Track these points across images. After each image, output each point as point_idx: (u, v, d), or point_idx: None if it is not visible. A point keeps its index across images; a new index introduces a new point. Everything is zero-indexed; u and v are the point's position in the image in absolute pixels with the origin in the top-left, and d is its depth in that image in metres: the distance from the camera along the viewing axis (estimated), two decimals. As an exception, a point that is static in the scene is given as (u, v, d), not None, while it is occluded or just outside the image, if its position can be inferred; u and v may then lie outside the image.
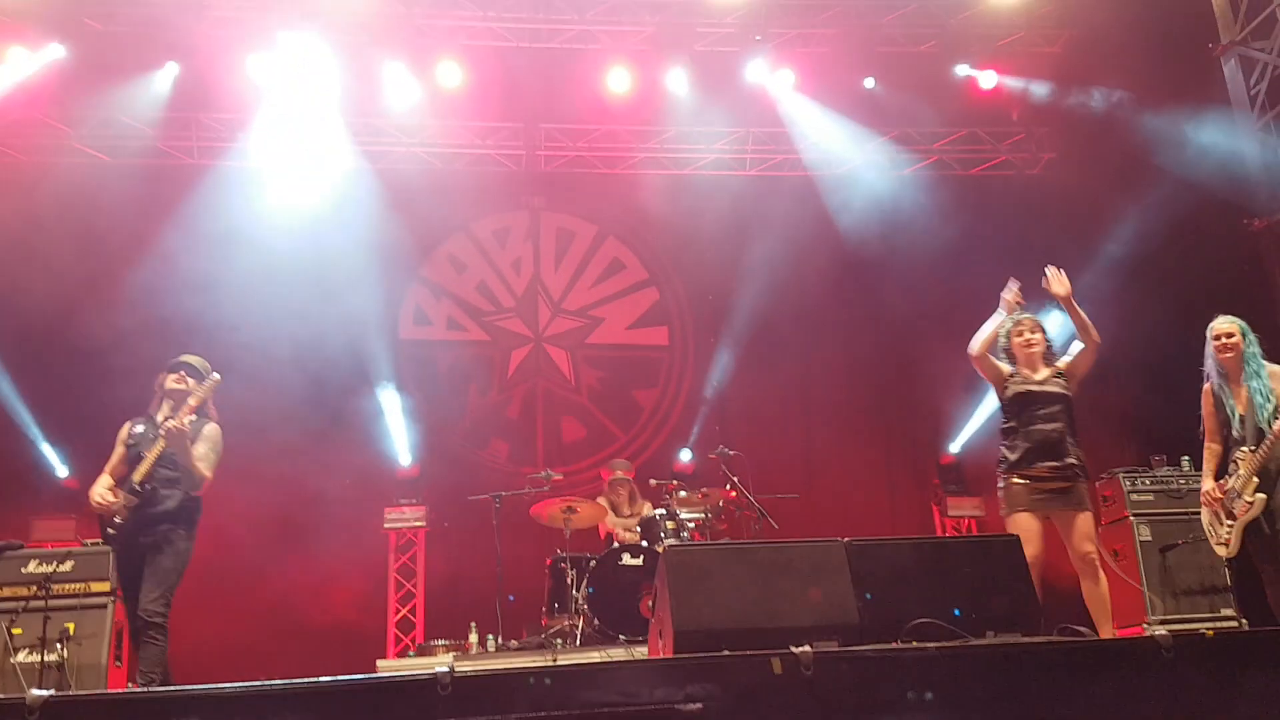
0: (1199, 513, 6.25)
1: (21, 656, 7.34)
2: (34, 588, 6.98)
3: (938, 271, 11.12)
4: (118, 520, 5.79)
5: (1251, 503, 5.71)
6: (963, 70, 11.17)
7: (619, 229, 12.35)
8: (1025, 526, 5.77)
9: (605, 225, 12.31)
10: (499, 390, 11.78)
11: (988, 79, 11.12)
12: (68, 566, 7.55)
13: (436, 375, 11.69)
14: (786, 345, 11.66)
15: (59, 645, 7.11)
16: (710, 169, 11.90)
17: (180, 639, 9.55)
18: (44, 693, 3.64)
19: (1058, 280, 6.14)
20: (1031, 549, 5.49)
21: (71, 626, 7.31)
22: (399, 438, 10.90)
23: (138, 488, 5.79)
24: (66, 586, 7.46)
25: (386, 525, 10.52)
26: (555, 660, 7.37)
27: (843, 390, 11.76)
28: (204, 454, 5.95)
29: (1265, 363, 5.90)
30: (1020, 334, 6.19)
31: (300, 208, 10.77)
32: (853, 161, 11.73)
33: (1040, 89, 11.03)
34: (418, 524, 10.61)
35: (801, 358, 11.74)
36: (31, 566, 7.29)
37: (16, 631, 7.28)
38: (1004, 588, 4.74)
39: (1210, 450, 6.06)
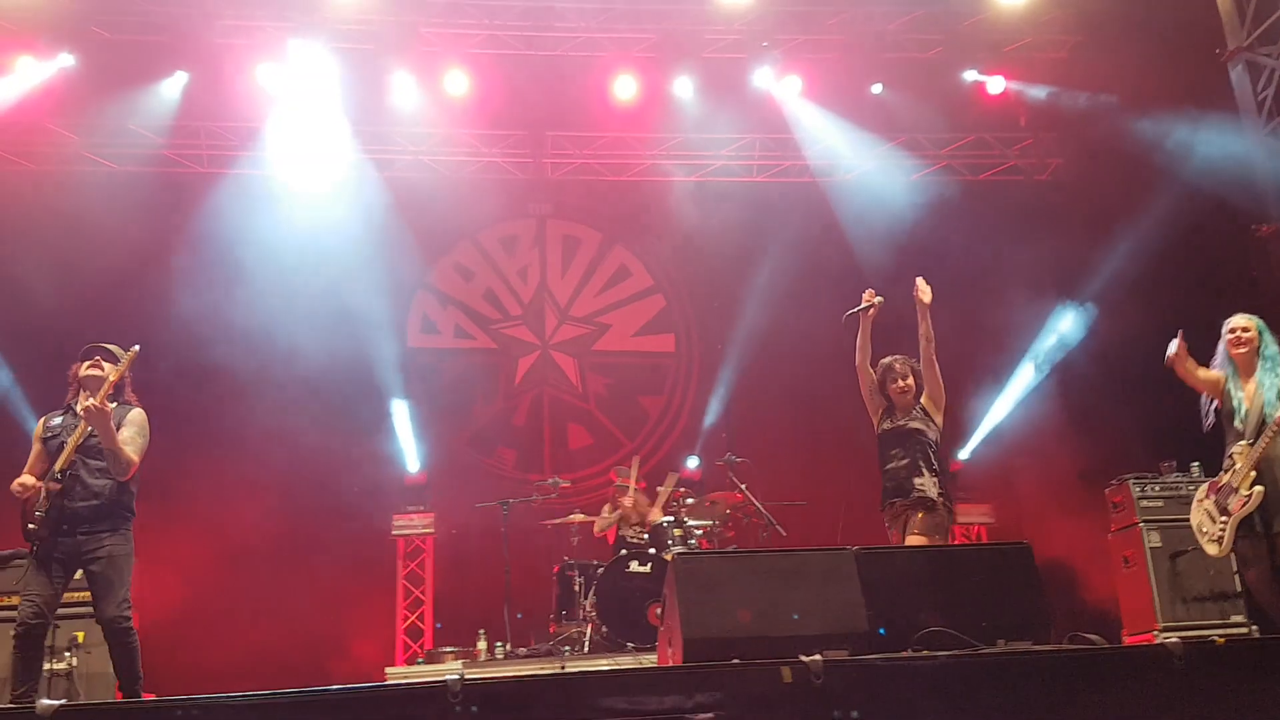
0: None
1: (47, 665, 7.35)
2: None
3: (945, 277, 11.06)
4: (38, 514, 5.44)
5: (1249, 496, 5.53)
6: (970, 76, 11.17)
7: (625, 236, 12.36)
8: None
9: (612, 232, 12.33)
10: (506, 397, 11.79)
11: (995, 84, 11.12)
12: (75, 575, 7.56)
13: (443, 383, 11.71)
14: (793, 351, 11.59)
15: (68, 654, 7.12)
16: (718, 175, 11.91)
17: (191, 646, 9.67)
18: (54, 702, 3.64)
19: (924, 290, 6.55)
20: None
21: (80, 635, 7.33)
22: (407, 445, 10.91)
23: (58, 475, 5.45)
24: (75, 595, 7.48)
25: (395, 532, 10.53)
26: (564, 668, 7.38)
27: (850, 397, 11.67)
28: (130, 437, 5.60)
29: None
30: (894, 380, 6.47)
31: (308, 216, 10.79)
32: (861, 167, 11.75)
33: (1048, 94, 11.02)
34: (426, 531, 10.61)
35: (808, 364, 11.67)
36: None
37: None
38: (1015, 595, 4.71)
39: None
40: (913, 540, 6.02)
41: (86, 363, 5.69)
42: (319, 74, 10.36)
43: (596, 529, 9.21)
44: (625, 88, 11.02)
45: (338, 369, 10.90)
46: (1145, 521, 8.04)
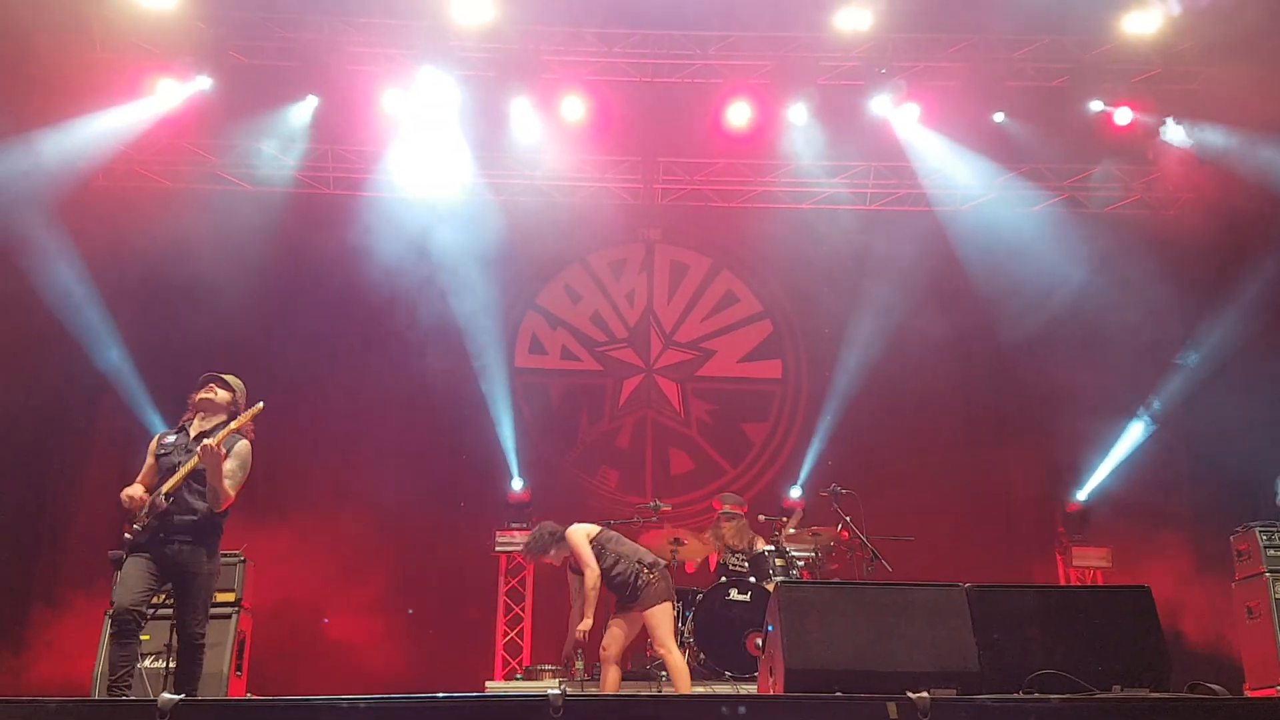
0: None
1: (148, 663, 7.62)
2: (162, 595, 7.21)
3: (1066, 312, 10.79)
4: (136, 527, 5.70)
5: None
6: (1096, 106, 10.84)
7: (733, 262, 12.35)
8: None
9: (720, 258, 12.33)
10: (610, 419, 11.86)
11: (1123, 115, 10.77)
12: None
13: (549, 403, 11.85)
14: (904, 383, 11.41)
15: (163, 656, 7.32)
16: (829, 203, 11.80)
17: (300, 651, 9.94)
18: (175, 697, 3.77)
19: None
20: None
21: (196, 634, 7.56)
22: (511, 463, 11.05)
23: (162, 498, 5.71)
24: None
25: (497, 549, 10.66)
26: (660, 691, 7.34)
27: (962, 431, 11.47)
28: (232, 470, 5.81)
29: None
30: None
31: (426, 237, 11.09)
32: (979, 197, 11.52)
33: (1178, 127, 10.63)
34: (528, 549, 10.69)
35: (919, 396, 11.47)
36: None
37: (144, 638, 7.56)
38: (1132, 640, 4.53)
39: None
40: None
41: (203, 388, 5.99)
42: (442, 99, 10.65)
43: (683, 556, 9.08)
44: (739, 114, 11.03)
45: (448, 386, 11.16)
46: (1272, 571, 7.69)
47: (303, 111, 10.92)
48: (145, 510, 5.74)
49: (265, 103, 10.82)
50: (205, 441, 5.66)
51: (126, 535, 5.76)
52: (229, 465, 5.80)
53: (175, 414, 6.17)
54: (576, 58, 10.73)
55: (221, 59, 10.45)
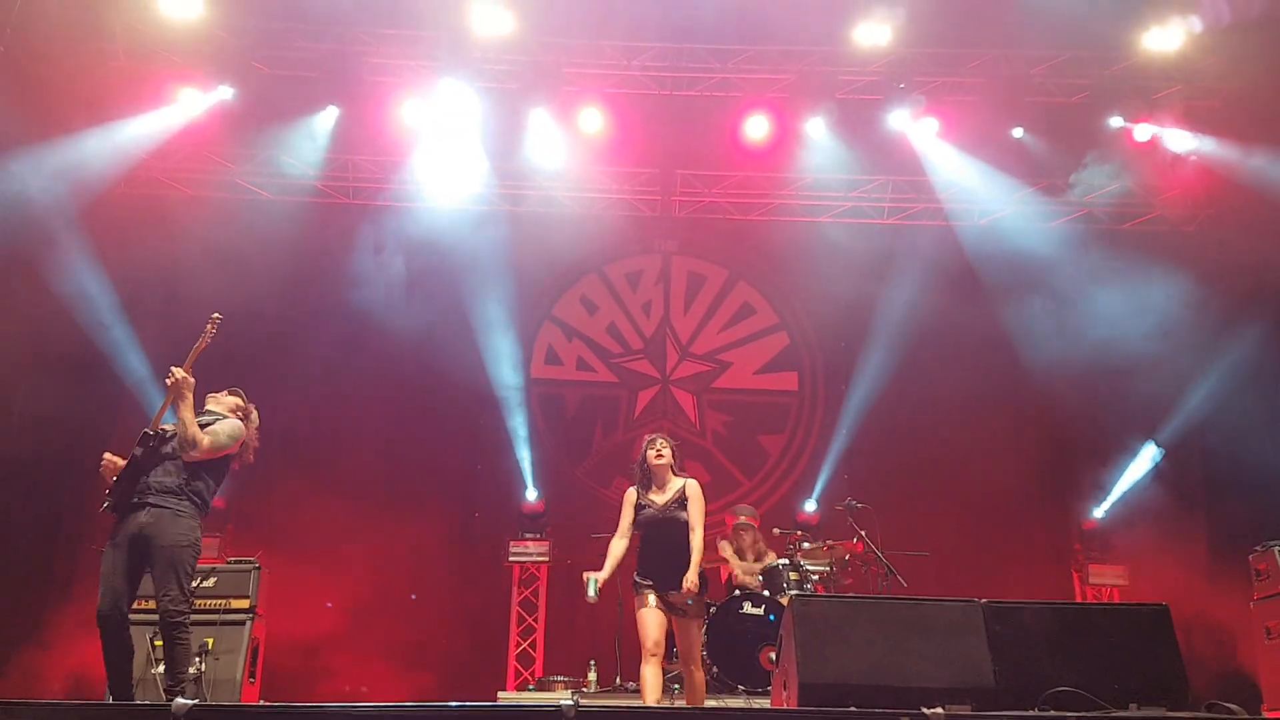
0: None
1: (162, 668, 7.65)
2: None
3: (1084, 327, 10.74)
4: (111, 491, 5.66)
5: None
6: (1116, 122, 10.80)
7: (750, 274, 12.35)
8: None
9: (736, 269, 12.34)
10: (625, 430, 11.86)
11: (1143, 132, 10.73)
12: (210, 583, 7.88)
13: (565, 414, 11.87)
14: (921, 397, 11.38)
15: (198, 659, 7.36)
16: (847, 216, 11.80)
17: (311, 657, 9.95)
18: (189, 701, 3.79)
19: None
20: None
21: (211, 641, 7.60)
22: (526, 473, 11.06)
23: (149, 431, 5.71)
24: (208, 602, 7.79)
25: (510, 559, 10.67)
26: (672, 704, 7.32)
27: (978, 446, 11.40)
28: (215, 429, 5.78)
29: None
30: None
31: (444, 246, 11.15)
32: (997, 211, 11.49)
33: (1199, 144, 10.57)
34: (541, 559, 10.73)
35: (935, 411, 11.43)
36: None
37: (159, 643, 7.61)
38: (1150, 658, 4.50)
39: None
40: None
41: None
42: (462, 110, 10.70)
43: (733, 569, 9.08)
44: (757, 128, 11.05)
45: (463, 395, 11.20)
46: (1292, 591, 7.59)
47: (324, 122, 10.97)
48: (137, 445, 5.68)
49: (287, 112, 10.89)
50: (173, 369, 5.68)
51: (107, 490, 5.73)
52: (218, 425, 5.83)
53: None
54: (596, 70, 10.77)
55: (244, 69, 10.53)
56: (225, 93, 10.57)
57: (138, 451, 5.73)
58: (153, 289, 10.77)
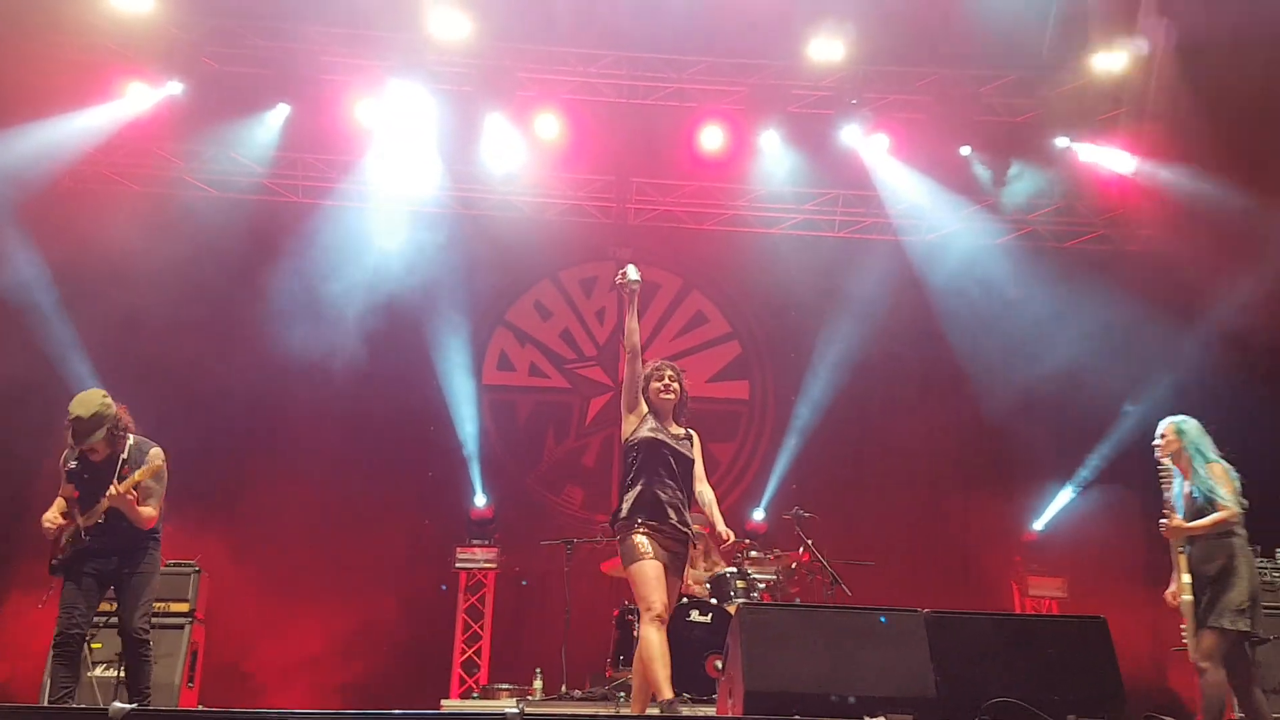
0: None
1: (98, 671, 7.52)
2: (114, 604, 7.12)
3: (1028, 343, 10.93)
4: (60, 557, 5.71)
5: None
6: (1062, 142, 11.03)
7: (704, 283, 12.41)
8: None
9: (690, 278, 12.39)
10: (576, 437, 11.85)
11: (1088, 152, 10.97)
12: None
13: (516, 420, 11.84)
14: (868, 408, 11.55)
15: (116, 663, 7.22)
16: (799, 229, 11.92)
17: (250, 664, 9.82)
18: (126, 706, 3.74)
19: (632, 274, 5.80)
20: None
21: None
22: (475, 479, 11.00)
23: (84, 536, 5.70)
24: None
25: (457, 565, 10.59)
26: (618, 712, 7.32)
27: (924, 458, 11.56)
28: (150, 488, 5.78)
29: (1210, 459, 5.87)
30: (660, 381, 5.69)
31: (396, 249, 11.07)
32: (944, 228, 11.66)
33: (1142, 165, 10.82)
34: (488, 565, 10.66)
35: (883, 422, 11.59)
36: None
37: (95, 646, 7.46)
38: (1088, 671, 4.59)
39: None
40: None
41: (85, 442, 5.74)
42: (416, 112, 10.64)
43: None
44: (712, 138, 11.11)
45: (415, 401, 11.12)
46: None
47: (274, 119, 10.84)
48: (67, 538, 5.73)
49: (236, 109, 10.73)
50: (110, 491, 5.62)
51: (54, 561, 5.75)
52: (148, 484, 5.78)
53: (136, 421, 6.10)
54: (553, 76, 10.77)
55: (194, 64, 10.36)
56: (174, 88, 10.38)
57: (84, 541, 5.72)
58: (95, 285, 10.55)
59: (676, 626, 8.10)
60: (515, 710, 3.45)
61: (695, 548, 6.04)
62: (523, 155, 11.23)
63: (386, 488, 10.87)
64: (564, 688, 8.55)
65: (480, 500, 10.92)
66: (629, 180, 11.81)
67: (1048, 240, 11.80)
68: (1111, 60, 10.28)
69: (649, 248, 12.27)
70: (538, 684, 8.87)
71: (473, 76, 10.58)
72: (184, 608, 8.09)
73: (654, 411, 5.66)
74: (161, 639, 7.49)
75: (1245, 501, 5.77)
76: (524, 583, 9.05)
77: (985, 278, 11.28)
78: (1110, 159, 11.01)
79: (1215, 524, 5.59)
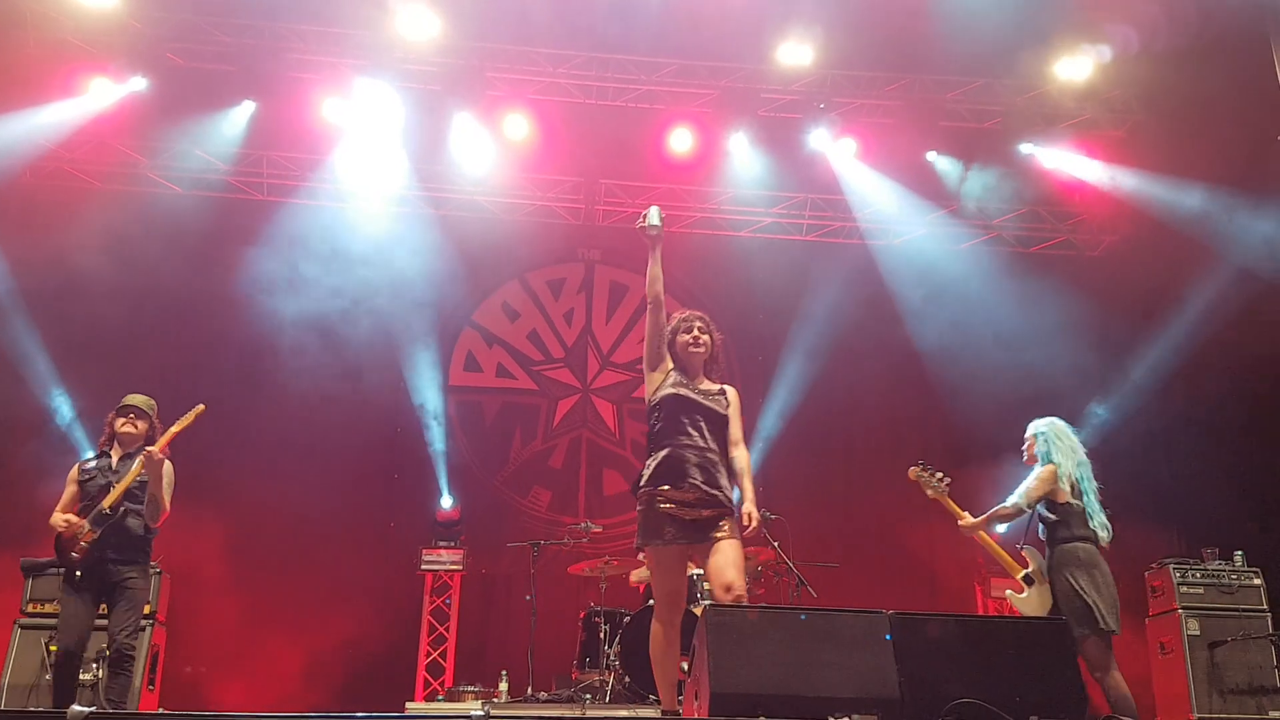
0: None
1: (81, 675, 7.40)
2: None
3: (993, 347, 11.04)
4: (83, 544, 5.82)
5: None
6: (1026, 149, 11.17)
7: (672, 286, 12.30)
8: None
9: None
10: (545, 439, 11.82)
11: (1051, 158, 11.11)
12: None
13: (483, 421, 11.78)
14: (834, 411, 11.61)
15: (94, 665, 7.16)
16: (767, 232, 11.97)
17: (213, 665, 9.71)
18: (85, 709, 3.68)
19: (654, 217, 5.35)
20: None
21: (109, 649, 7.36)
22: (441, 480, 10.95)
23: (107, 512, 5.87)
24: (105, 607, 7.53)
25: (423, 567, 10.52)
26: (584, 714, 7.31)
27: (888, 460, 11.61)
28: (167, 487, 6.09)
29: (1051, 461, 6.66)
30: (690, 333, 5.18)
31: (362, 248, 11.01)
32: (911, 233, 11.76)
33: (1105, 171, 10.98)
34: (454, 567, 10.59)
35: (848, 425, 11.68)
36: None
37: (54, 649, 7.35)
38: (1050, 673, 4.62)
39: None
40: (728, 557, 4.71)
41: (122, 419, 6.13)
42: (383, 111, 10.58)
43: (633, 578, 9.10)
44: (681, 141, 11.15)
45: (381, 401, 11.06)
46: (1185, 609, 7.92)
47: (239, 116, 10.74)
48: (90, 522, 5.82)
49: (201, 106, 10.63)
50: (150, 449, 5.87)
51: (74, 555, 5.83)
52: (167, 481, 6.04)
53: (95, 417, 6.21)
54: (522, 76, 10.77)
55: (158, 60, 10.27)
56: (138, 84, 10.28)
57: (104, 522, 5.87)
58: (55, 282, 10.41)
59: (643, 627, 8.06)
60: (481, 712, 3.44)
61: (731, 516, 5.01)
62: (491, 156, 11.20)
63: (352, 489, 10.78)
64: (530, 690, 8.53)
65: (446, 502, 10.87)
66: (598, 182, 11.80)
67: (1013, 245, 11.92)
68: (1075, 67, 10.41)
69: (618, 249, 12.28)
70: (503, 686, 8.84)
71: (441, 75, 10.56)
72: (145, 610, 7.97)
73: (681, 368, 5.20)
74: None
75: (1102, 508, 6.53)
76: (529, 597, 9.01)
77: (951, 282, 11.38)
78: (1073, 165, 11.15)
79: (987, 519, 6.54)
